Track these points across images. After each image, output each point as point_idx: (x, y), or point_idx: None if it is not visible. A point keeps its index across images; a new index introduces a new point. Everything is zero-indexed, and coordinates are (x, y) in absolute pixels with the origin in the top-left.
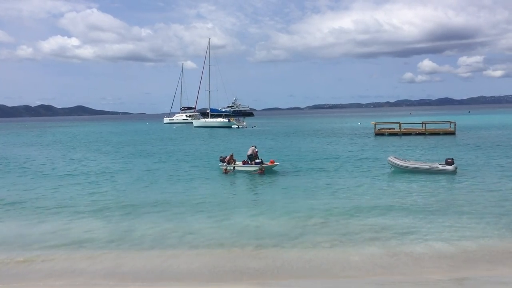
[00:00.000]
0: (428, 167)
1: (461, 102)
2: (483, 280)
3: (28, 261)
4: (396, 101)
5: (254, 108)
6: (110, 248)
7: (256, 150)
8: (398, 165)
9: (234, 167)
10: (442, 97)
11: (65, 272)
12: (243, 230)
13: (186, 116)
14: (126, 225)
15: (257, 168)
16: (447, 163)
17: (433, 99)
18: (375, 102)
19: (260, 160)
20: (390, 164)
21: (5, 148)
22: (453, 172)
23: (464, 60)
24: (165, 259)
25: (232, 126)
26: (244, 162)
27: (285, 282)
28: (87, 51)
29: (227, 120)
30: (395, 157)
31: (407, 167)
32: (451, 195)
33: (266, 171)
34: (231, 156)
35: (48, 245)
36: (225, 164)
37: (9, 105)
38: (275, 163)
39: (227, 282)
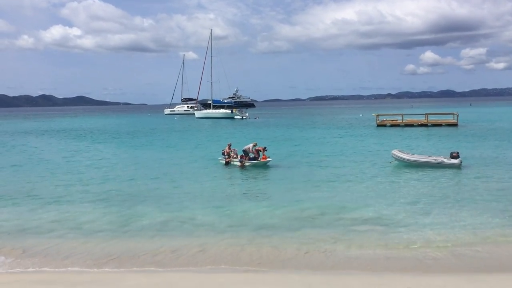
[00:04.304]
0: (433, 160)
1: (463, 95)
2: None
3: (32, 249)
4: (397, 93)
5: (255, 99)
6: (113, 236)
7: (255, 147)
8: (403, 158)
9: (231, 161)
10: (444, 89)
11: (69, 259)
12: (243, 220)
13: (188, 107)
14: (128, 214)
15: (238, 162)
16: (452, 157)
17: (435, 91)
18: (377, 94)
19: (253, 156)
20: (394, 158)
21: (11, 138)
22: (459, 166)
23: (467, 52)
24: (166, 247)
25: (235, 117)
26: (241, 157)
27: (284, 271)
28: (89, 41)
29: (230, 111)
30: (399, 151)
31: (412, 160)
32: (456, 189)
33: (262, 166)
34: (229, 146)
35: (52, 233)
36: (225, 157)
37: (10, 95)
38: (268, 159)
39: (226, 270)
